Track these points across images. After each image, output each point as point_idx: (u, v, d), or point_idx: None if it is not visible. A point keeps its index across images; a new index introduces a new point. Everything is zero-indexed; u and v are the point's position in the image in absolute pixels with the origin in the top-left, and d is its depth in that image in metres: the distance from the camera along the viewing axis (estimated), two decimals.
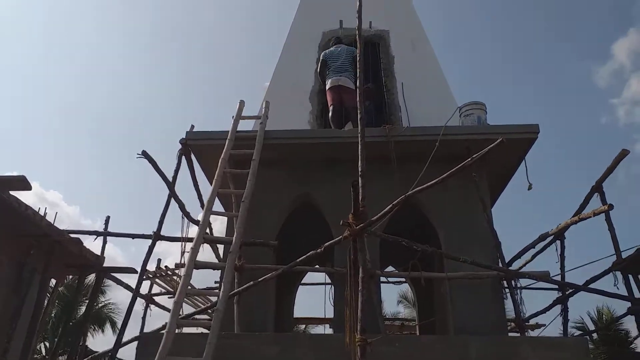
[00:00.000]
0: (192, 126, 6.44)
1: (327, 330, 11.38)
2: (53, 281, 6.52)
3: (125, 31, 58.31)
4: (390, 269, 8.59)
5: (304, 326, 15.63)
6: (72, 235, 6.05)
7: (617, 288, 5.88)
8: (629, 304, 5.94)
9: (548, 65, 53.10)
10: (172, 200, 6.23)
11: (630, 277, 5.94)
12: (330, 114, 6.88)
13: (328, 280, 8.55)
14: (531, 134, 5.90)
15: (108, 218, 7.27)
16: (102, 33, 57.74)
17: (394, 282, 10.45)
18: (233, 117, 6.38)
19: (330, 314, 6.00)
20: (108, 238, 7.12)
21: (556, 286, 6.46)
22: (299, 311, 10.93)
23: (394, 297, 19.49)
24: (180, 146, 6.26)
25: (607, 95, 55.49)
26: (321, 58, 7.31)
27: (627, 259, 5.85)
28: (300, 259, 5.16)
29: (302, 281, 9.57)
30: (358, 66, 5.36)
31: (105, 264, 6.79)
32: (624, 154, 5.69)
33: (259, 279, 5.19)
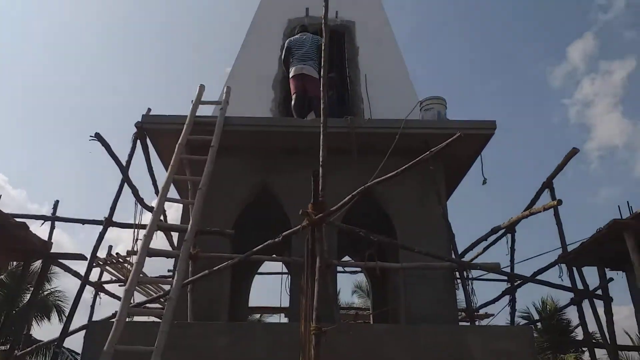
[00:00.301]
0: (149, 109, 6.24)
1: (283, 319, 11.40)
2: None
3: (88, 2, 55.81)
4: (346, 258, 8.68)
5: (259, 315, 15.60)
6: (18, 220, 5.77)
7: (562, 280, 6.17)
8: (572, 295, 6.25)
9: (509, 64, 54.72)
10: (126, 186, 6.03)
11: (575, 269, 6.24)
12: (293, 102, 6.82)
13: (285, 270, 8.56)
14: (488, 129, 6.05)
15: (57, 202, 6.98)
16: (62, 5, 55.10)
17: (350, 272, 10.64)
18: (192, 101, 6.21)
19: (286, 303, 5.98)
20: (57, 223, 6.85)
21: (506, 277, 6.69)
22: (254, 300, 10.90)
23: (349, 287, 19.76)
24: (135, 129, 6.06)
25: (560, 95, 57.78)
26: (285, 45, 7.21)
27: (572, 252, 6.14)
28: (257, 248, 5.11)
29: (259, 270, 9.53)
30: (322, 55, 5.33)
31: (53, 250, 6.52)
32: (573, 152, 5.94)
33: (214, 268, 5.11)
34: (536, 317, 17.10)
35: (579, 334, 15.40)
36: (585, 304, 6.31)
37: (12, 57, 54.27)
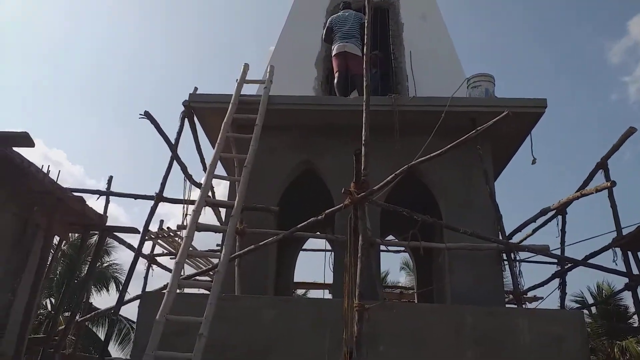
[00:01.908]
0: (196, 88, 6.38)
1: (327, 295, 11.56)
2: (57, 239, 6.60)
3: None
4: (391, 237, 8.66)
5: (304, 291, 15.88)
6: (76, 194, 6.08)
7: (616, 264, 5.91)
8: (627, 280, 5.99)
9: (563, 40, 52.03)
10: (175, 163, 6.23)
11: (630, 254, 5.97)
12: (335, 80, 6.79)
13: (328, 247, 8.65)
14: (538, 108, 5.83)
15: (111, 178, 7.31)
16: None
17: (393, 251, 10.62)
18: (237, 80, 6.30)
19: (329, 280, 6.07)
20: (112, 198, 7.18)
21: (555, 260, 6.49)
22: (299, 276, 11.09)
23: (397, 266, 19.71)
24: (183, 108, 6.22)
25: (620, 72, 54.47)
26: (327, 23, 7.15)
27: (628, 236, 5.86)
28: (301, 225, 5.20)
29: (303, 247, 9.67)
30: (366, 32, 5.25)
31: (108, 224, 6.85)
32: (630, 132, 5.62)
33: (260, 243, 5.24)
34: (591, 301, 16.53)
35: (636, 320, 14.84)
36: None
37: (67, 42, 56.49)
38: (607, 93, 52.11)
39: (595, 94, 50.01)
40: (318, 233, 6.34)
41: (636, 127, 5.60)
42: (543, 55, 53.93)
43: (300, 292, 15.68)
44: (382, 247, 6.62)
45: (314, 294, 15.87)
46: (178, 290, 4.59)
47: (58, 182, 5.61)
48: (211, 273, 6.62)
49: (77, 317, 7.43)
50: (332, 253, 6.00)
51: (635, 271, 5.96)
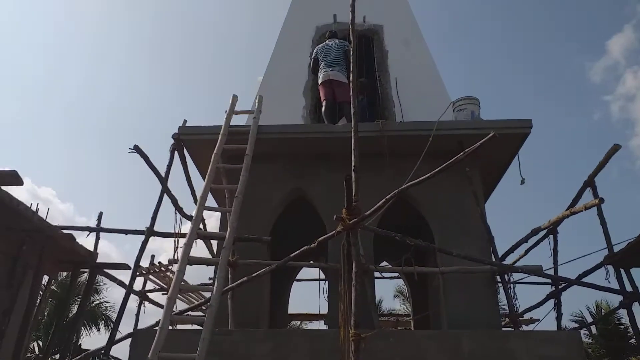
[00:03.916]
0: (185, 121, 6.41)
1: (322, 326, 11.39)
2: (46, 278, 6.48)
3: (126, 27, 57.92)
4: (384, 264, 8.61)
5: (298, 322, 15.64)
6: (65, 231, 6.01)
7: (609, 282, 5.92)
8: (621, 298, 5.98)
9: (544, 61, 53.26)
10: (165, 196, 6.20)
11: (622, 271, 5.98)
12: (323, 108, 6.87)
13: (322, 276, 8.57)
14: (524, 128, 5.92)
15: (101, 214, 7.22)
16: (103, 29, 57.36)
17: (388, 277, 10.55)
18: (226, 111, 6.35)
19: (324, 309, 6.00)
20: (103, 235, 7.10)
21: (549, 280, 6.48)
22: (293, 307, 10.95)
23: (391, 293, 19.52)
24: (172, 141, 6.23)
25: (601, 91, 55.69)
26: (313, 53, 7.28)
27: (619, 253, 5.89)
28: (293, 254, 5.15)
29: (297, 277, 9.58)
30: (351, 60, 5.34)
31: (99, 261, 6.75)
32: (615, 149, 5.72)
33: (253, 275, 5.17)
34: (590, 320, 16.37)
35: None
36: (637, 307, 6.04)
37: (50, 77, 56.77)
38: (590, 112, 53.18)
39: (579, 113, 51.00)
40: (311, 262, 6.30)
41: (620, 144, 5.71)
42: (526, 76, 55.13)
43: (295, 323, 15.43)
44: (376, 274, 6.59)
45: (309, 325, 15.65)
46: (170, 327, 4.49)
47: (47, 220, 5.55)
48: (204, 307, 6.51)
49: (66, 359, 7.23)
50: (326, 282, 5.95)
51: (629, 288, 5.96)
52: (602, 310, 16.09)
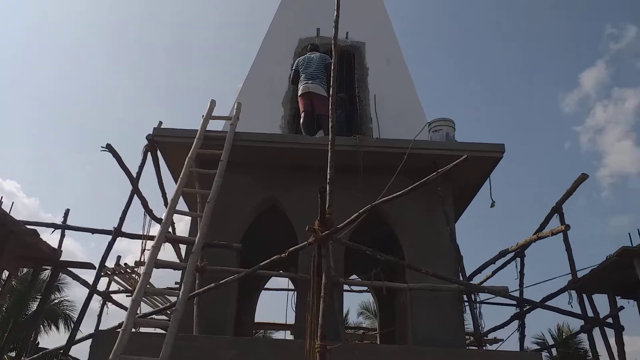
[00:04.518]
0: (160, 122, 6.35)
1: (288, 336, 11.33)
2: (5, 273, 6.29)
3: (101, 24, 57.07)
4: (353, 277, 8.64)
5: (263, 331, 15.51)
6: (29, 227, 5.85)
7: (572, 306, 6.07)
8: (582, 322, 6.14)
9: (519, 88, 54.65)
10: (135, 197, 6.11)
11: (585, 296, 6.14)
12: (301, 120, 6.90)
13: (291, 286, 8.54)
14: (496, 152, 6.06)
15: (67, 211, 7.06)
16: (81, 22, 56.42)
17: (357, 291, 10.58)
18: (203, 116, 6.31)
19: (291, 320, 5.97)
20: (69, 233, 6.93)
21: (514, 302, 6.60)
22: (260, 316, 10.86)
23: (355, 309, 19.57)
24: (146, 142, 6.16)
25: (572, 122, 57.38)
26: (294, 65, 7.33)
27: (582, 278, 6.05)
28: (263, 263, 5.13)
29: (265, 286, 9.52)
30: (332, 75, 5.40)
31: (63, 259, 6.58)
32: (583, 178, 5.90)
33: (221, 282, 5.13)
34: (551, 343, 16.73)
35: None
36: (597, 333, 6.19)
37: (23, 64, 55.50)
38: (561, 141, 54.68)
39: (550, 141, 52.37)
40: (281, 271, 6.27)
41: (588, 174, 5.88)
42: (501, 101, 56.38)
43: (260, 332, 15.29)
44: (345, 287, 6.60)
45: (275, 334, 15.53)
46: (133, 329, 4.41)
47: (11, 214, 5.40)
48: (169, 312, 6.41)
49: (22, 358, 7.00)
50: (295, 292, 5.93)
51: (590, 313, 6.12)
52: (564, 334, 16.47)
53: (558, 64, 52.70)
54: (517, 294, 6.63)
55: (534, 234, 6.20)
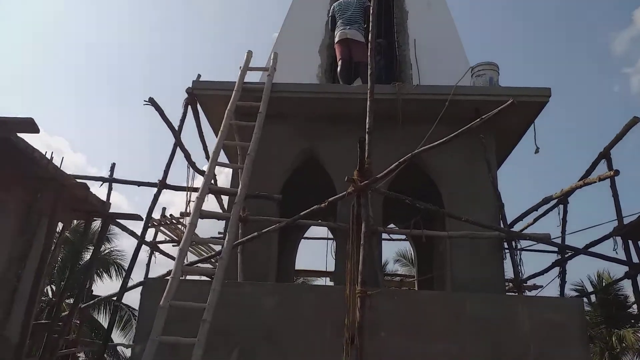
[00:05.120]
0: (199, 75, 6.37)
1: (328, 282, 11.63)
2: (60, 225, 6.61)
3: None
4: (391, 226, 8.69)
5: (303, 279, 15.95)
6: (79, 181, 6.09)
7: (616, 253, 5.94)
8: (627, 269, 6.02)
9: (568, 28, 51.55)
10: (178, 150, 6.24)
11: (630, 242, 5.99)
12: (338, 68, 6.76)
13: (330, 236, 8.69)
14: (542, 97, 5.82)
15: (113, 165, 7.33)
16: None
17: (395, 239, 10.66)
18: (240, 67, 6.29)
19: (331, 268, 6.11)
20: (114, 186, 7.20)
21: (556, 249, 6.52)
22: (300, 264, 11.15)
23: (392, 257, 19.76)
24: (186, 95, 6.21)
25: (623, 63, 53.99)
26: (330, 11, 7.11)
27: (628, 225, 5.88)
28: (303, 212, 5.22)
29: (305, 235, 9.70)
30: (370, 19, 5.23)
31: (111, 211, 6.87)
32: (634, 122, 5.61)
33: (263, 231, 5.27)
34: (590, 290, 16.64)
35: (636, 310, 14.88)
36: None
37: (70, 21, 56.09)
38: (610, 84, 51.83)
39: (599, 85, 49.71)
40: (320, 221, 6.37)
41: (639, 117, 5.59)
42: (547, 44, 53.55)
43: (301, 279, 15.74)
44: (384, 235, 6.66)
45: (315, 282, 15.96)
46: (181, 277, 4.63)
47: (61, 169, 5.61)
48: (213, 260, 6.67)
49: (79, 305, 7.48)
50: (334, 241, 6.04)
51: (635, 260, 5.99)
52: (604, 280, 16.30)
53: (610, 1, 49.17)
54: (559, 241, 6.54)
55: (579, 180, 6.03)
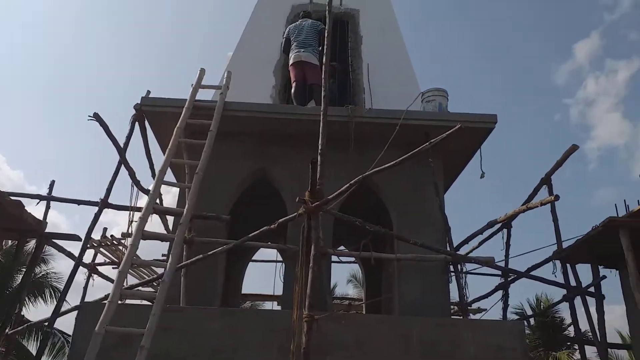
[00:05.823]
0: (149, 92, 6.19)
1: (275, 307, 11.42)
2: None
3: None
4: (341, 248, 8.68)
5: (250, 303, 15.62)
6: (13, 198, 5.73)
7: (555, 276, 6.19)
8: (564, 292, 6.26)
9: (513, 59, 54.30)
10: (123, 168, 6.00)
11: (568, 266, 6.25)
12: (292, 89, 6.77)
13: (279, 258, 8.56)
14: (489, 123, 6.03)
15: (53, 182, 6.94)
16: None
17: (344, 262, 10.65)
18: (192, 85, 6.16)
19: (279, 291, 5.99)
20: (53, 205, 6.81)
21: (499, 272, 6.69)
22: (248, 287, 10.93)
23: (344, 278, 19.77)
24: (134, 111, 6.01)
25: (563, 94, 57.43)
26: (285, 33, 7.15)
27: (567, 249, 6.15)
28: (252, 234, 5.10)
29: (253, 257, 9.52)
30: (325, 43, 5.28)
31: (49, 231, 6.49)
32: (573, 149, 5.93)
33: (209, 253, 5.10)
34: (530, 313, 17.21)
35: (572, 332, 15.49)
36: (578, 302, 6.34)
37: (9, 33, 53.76)
38: (551, 113, 54.81)
39: (541, 113, 52.46)
40: (270, 243, 6.26)
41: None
42: (494, 71, 56.10)
43: (248, 304, 15.41)
44: (334, 258, 6.61)
45: (262, 306, 15.66)
46: (120, 301, 4.38)
47: None
48: (155, 284, 6.39)
49: (7, 330, 6.95)
50: (283, 264, 5.93)
51: (573, 283, 6.25)
52: (542, 304, 16.93)
53: (552, 34, 52.43)
54: (502, 264, 6.72)
55: (522, 205, 6.25)
